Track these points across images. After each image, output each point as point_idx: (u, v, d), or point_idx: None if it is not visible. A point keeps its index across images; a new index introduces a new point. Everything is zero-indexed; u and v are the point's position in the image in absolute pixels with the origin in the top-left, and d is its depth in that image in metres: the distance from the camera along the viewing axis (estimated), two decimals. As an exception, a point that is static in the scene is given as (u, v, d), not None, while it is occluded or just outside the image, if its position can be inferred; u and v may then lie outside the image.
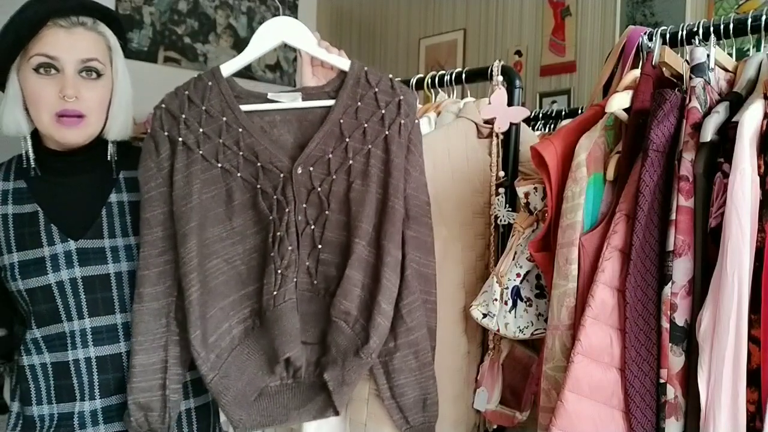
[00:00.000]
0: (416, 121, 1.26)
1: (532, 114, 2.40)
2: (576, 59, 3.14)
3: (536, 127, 2.40)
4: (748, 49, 1.37)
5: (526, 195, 1.32)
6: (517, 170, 1.47)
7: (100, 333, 1.23)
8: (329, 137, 1.22)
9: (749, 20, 1.18)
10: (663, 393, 1.06)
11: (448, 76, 1.60)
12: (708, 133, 1.03)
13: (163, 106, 1.22)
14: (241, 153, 1.21)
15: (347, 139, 1.22)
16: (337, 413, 1.22)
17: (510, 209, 1.43)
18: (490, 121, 1.45)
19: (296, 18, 4.28)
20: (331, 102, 1.25)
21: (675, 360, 1.05)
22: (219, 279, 1.19)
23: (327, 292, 1.22)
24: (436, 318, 1.29)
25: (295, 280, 1.19)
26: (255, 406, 1.21)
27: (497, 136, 1.46)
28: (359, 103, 1.24)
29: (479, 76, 1.55)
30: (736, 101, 1.09)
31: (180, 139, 1.20)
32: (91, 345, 1.23)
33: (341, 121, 1.23)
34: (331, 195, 1.22)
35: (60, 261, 1.21)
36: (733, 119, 1.04)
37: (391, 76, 1.28)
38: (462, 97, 1.61)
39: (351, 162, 1.22)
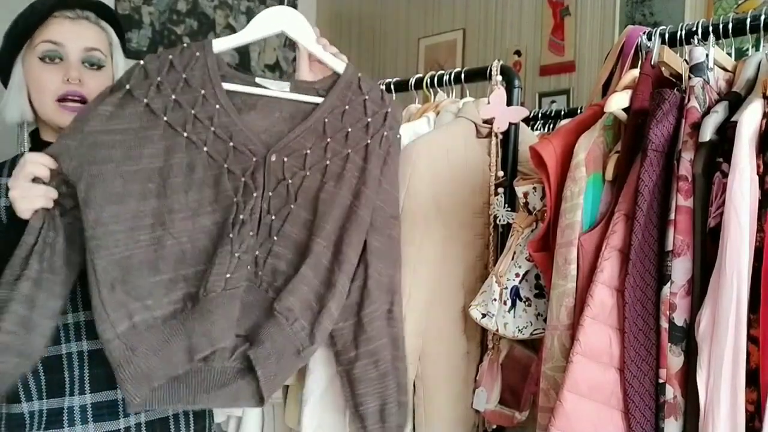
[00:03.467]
0: (398, 135, 1.26)
1: (531, 114, 2.40)
2: (575, 59, 3.13)
3: (535, 127, 2.40)
4: (747, 49, 1.37)
5: (525, 195, 1.32)
6: (516, 170, 1.47)
7: (93, 327, 1.22)
8: (310, 133, 1.21)
9: (748, 20, 1.18)
10: (662, 393, 1.06)
11: (447, 76, 1.60)
12: (707, 133, 1.03)
13: (141, 63, 1.17)
14: (212, 129, 1.17)
15: (328, 139, 1.21)
16: (263, 403, 1.16)
17: (509, 209, 1.43)
18: (489, 121, 1.45)
19: (295, 18, 4.28)
20: (318, 99, 1.24)
21: (674, 360, 1.05)
22: (157, 252, 1.12)
23: (270, 286, 1.18)
24: (402, 327, 1.26)
25: (248, 267, 1.16)
26: (158, 387, 1.11)
27: (496, 135, 1.46)
28: (347, 107, 1.23)
29: (478, 75, 1.55)
30: (735, 101, 1.09)
31: (144, 100, 1.14)
32: (84, 338, 1.24)
33: (326, 120, 1.22)
34: (301, 190, 1.20)
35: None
36: (732, 119, 1.04)
37: (382, 87, 1.28)
38: (461, 97, 1.61)
39: (328, 162, 1.21)
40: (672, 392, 1.05)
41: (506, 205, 1.43)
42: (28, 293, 1.07)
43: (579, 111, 2.22)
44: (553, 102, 3.15)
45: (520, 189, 1.33)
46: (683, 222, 1.04)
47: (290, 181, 1.20)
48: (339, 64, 1.27)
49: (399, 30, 3.94)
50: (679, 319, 1.04)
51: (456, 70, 1.60)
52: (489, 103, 1.44)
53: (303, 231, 1.20)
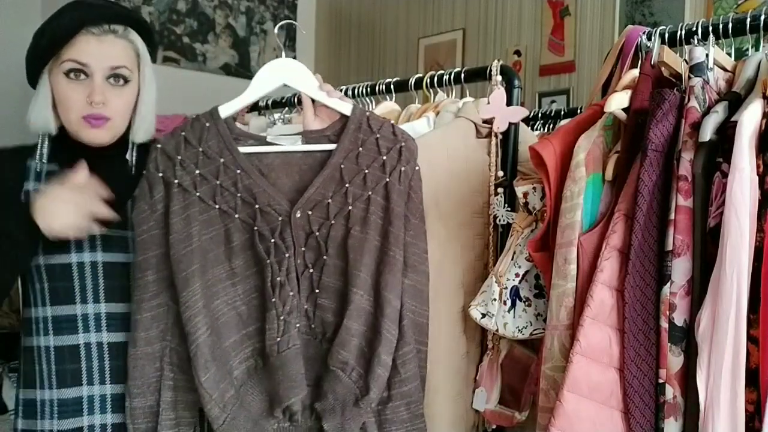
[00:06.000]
0: (416, 167, 1.25)
1: (531, 114, 2.40)
2: (575, 59, 3.14)
3: (535, 127, 2.40)
4: (747, 49, 1.37)
5: (525, 195, 1.32)
6: (516, 170, 1.47)
7: (115, 319, 1.25)
8: (329, 182, 1.22)
9: (748, 20, 1.18)
10: (662, 393, 1.06)
11: (447, 76, 1.60)
12: (707, 133, 1.03)
13: (159, 146, 1.21)
14: (239, 194, 1.20)
15: (347, 185, 1.22)
16: None
17: (509, 209, 1.43)
18: (489, 121, 1.45)
19: (295, 18, 4.30)
20: (331, 146, 1.23)
21: (674, 360, 1.05)
22: (221, 320, 1.19)
23: (324, 337, 1.21)
24: (427, 367, 1.28)
25: (297, 325, 1.19)
26: None
27: (496, 135, 1.45)
28: (360, 149, 1.23)
29: (478, 75, 1.55)
30: (734, 101, 1.09)
31: (176, 180, 1.20)
32: (104, 330, 1.25)
33: (342, 165, 1.22)
34: (330, 240, 1.21)
35: (84, 244, 1.23)
36: (732, 119, 1.04)
37: (392, 122, 1.28)
38: (461, 97, 1.61)
39: (351, 208, 1.21)
40: (672, 392, 1.05)
41: (506, 205, 1.43)
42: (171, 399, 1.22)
43: (579, 111, 2.22)
44: (552, 102, 3.15)
45: (519, 189, 1.33)
46: (683, 222, 1.04)
47: (318, 233, 1.21)
48: (346, 107, 1.26)
49: (399, 30, 3.94)
50: (679, 319, 1.04)
51: (456, 70, 1.60)
52: (489, 103, 1.44)
53: (340, 280, 1.21)
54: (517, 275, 1.30)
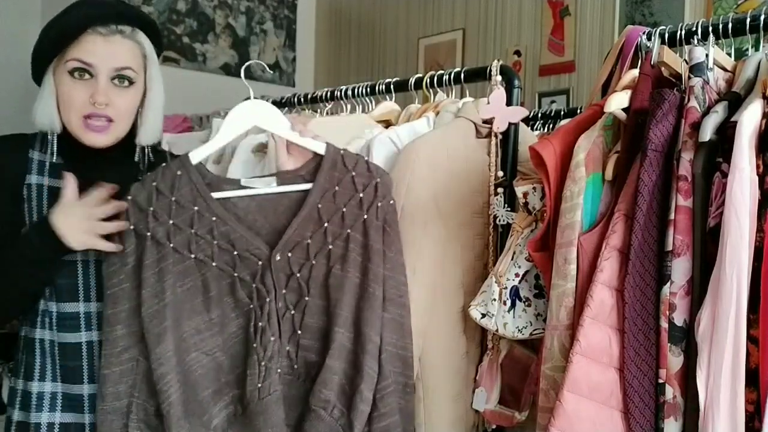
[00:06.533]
0: (391, 201, 1.25)
1: (531, 114, 2.40)
2: (575, 59, 3.14)
3: (535, 127, 2.40)
4: (747, 49, 1.37)
5: (525, 195, 1.32)
6: (516, 170, 1.47)
7: None
8: (308, 222, 1.21)
9: (748, 20, 1.18)
10: (662, 393, 1.06)
11: (447, 76, 1.60)
12: (707, 133, 1.03)
13: (130, 198, 1.19)
14: (215, 242, 1.19)
15: (326, 224, 1.21)
16: None
17: (509, 209, 1.43)
18: (488, 121, 1.45)
19: (294, 18, 4.29)
20: (307, 186, 1.23)
21: (674, 360, 1.05)
22: (198, 372, 1.18)
23: (307, 377, 1.21)
24: (413, 401, 1.28)
25: (278, 371, 1.19)
26: None
27: (496, 135, 1.45)
28: (337, 187, 1.22)
29: (478, 75, 1.55)
30: (734, 101, 1.09)
31: (148, 233, 1.17)
32: (94, 329, 1.25)
33: (319, 205, 1.22)
34: (311, 280, 1.21)
35: None
36: (732, 119, 1.04)
37: (367, 158, 1.28)
38: (461, 97, 1.61)
39: (330, 247, 1.21)
40: (672, 392, 1.05)
41: (506, 205, 1.43)
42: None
43: (579, 111, 2.22)
44: (552, 102, 3.15)
45: (519, 189, 1.33)
46: (683, 222, 1.04)
47: (299, 274, 1.21)
48: (319, 146, 1.25)
49: (399, 30, 3.94)
50: (679, 319, 1.04)
51: (456, 70, 1.60)
52: (489, 103, 1.44)
53: (322, 319, 1.22)
54: (517, 275, 1.30)
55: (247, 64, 1.43)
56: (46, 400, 1.24)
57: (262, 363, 1.17)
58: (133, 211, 1.18)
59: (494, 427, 1.46)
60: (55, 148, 1.26)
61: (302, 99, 2.00)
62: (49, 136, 1.26)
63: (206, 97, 3.07)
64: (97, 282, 1.24)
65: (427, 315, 1.36)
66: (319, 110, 1.97)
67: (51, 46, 1.23)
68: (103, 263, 1.20)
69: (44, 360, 1.25)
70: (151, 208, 1.18)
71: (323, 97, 1.93)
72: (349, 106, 1.87)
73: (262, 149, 1.47)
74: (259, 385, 1.17)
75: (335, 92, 1.88)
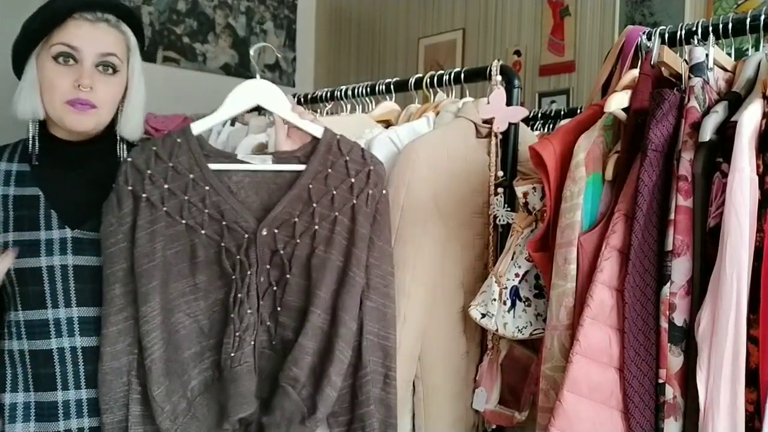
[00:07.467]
0: (384, 191, 1.26)
1: (531, 114, 2.40)
2: (575, 59, 3.13)
3: (535, 127, 2.40)
4: (747, 49, 1.37)
5: (525, 195, 1.32)
6: (516, 170, 1.47)
7: (88, 323, 1.23)
8: (297, 201, 1.23)
9: (748, 20, 1.18)
10: (662, 393, 1.06)
11: (447, 76, 1.60)
12: (707, 133, 1.03)
13: (129, 160, 1.22)
14: (206, 210, 1.21)
15: (315, 205, 1.23)
16: None
17: (509, 209, 1.43)
18: (488, 121, 1.45)
19: (294, 18, 4.29)
20: (301, 167, 1.24)
21: (674, 360, 1.05)
22: (181, 333, 1.20)
23: (284, 353, 1.22)
24: (396, 392, 1.27)
25: (252, 343, 1.20)
26: None
27: (496, 135, 1.46)
28: (329, 170, 1.24)
29: (478, 75, 1.55)
30: (734, 101, 1.09)
31: (144, 195, 1.20)
32: (77, 334, 1.23)
33: (310, 186, 1.23)
34: (294, 259, 1.22)
35: (54, 246, 1.22)
36: (732, 119, 1.04)
37: (362, 146, 1.29)
38: (461, 97, 1.61)
39: (316, 227, 1.22)
40: (672, 392, 1.05)
41: (506, 205, 1.43)
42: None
43: (579, 111, 2.22)
44: (552, 102, 3.15)
45: (519, 189, 1.33)
46: (683, 222, 1.04)
47: (283, 251, 1.22)
48: (317, 129, 1.27)
49: (399, 30, 3.94)
50: (679, 319, 1.04)
51: (456, 70, 1.60)
52: (489, 103, 1.44)
53: (302, 298, 1.22)
54: (516, 275, 1.30)
55: (256, 46, 1.45)
56: (19, 411, 1.23)
57: (237, 333, 1.19)
58: (131, 173, 1.21)
59: (494, 427, 1.46)
60: (36, 138, 1.25)
61: (302, 99, 2.01)
62: (30, 128, 1.25)
63: (206, 97, 3.06)
64: (64, 287, 1.23)
65: (427, 315, 1.36)
66: (319, 110, 1.97)
67: (35, 31, 1.22)
68: (101, 225, 1.21)
69: (15, 371, 1.24)
70: (149, 171, 1.21)
71: (323, 97, 1.93)
72: (349, 106, 1.87)
73: (262, 149, 1.47)
74: (232, 354, 1.18)
75: (335, 92, 1.88)
